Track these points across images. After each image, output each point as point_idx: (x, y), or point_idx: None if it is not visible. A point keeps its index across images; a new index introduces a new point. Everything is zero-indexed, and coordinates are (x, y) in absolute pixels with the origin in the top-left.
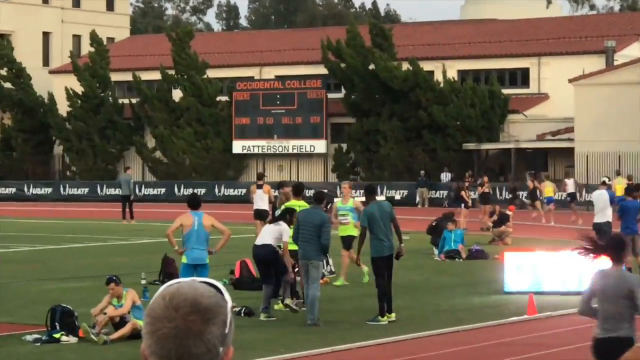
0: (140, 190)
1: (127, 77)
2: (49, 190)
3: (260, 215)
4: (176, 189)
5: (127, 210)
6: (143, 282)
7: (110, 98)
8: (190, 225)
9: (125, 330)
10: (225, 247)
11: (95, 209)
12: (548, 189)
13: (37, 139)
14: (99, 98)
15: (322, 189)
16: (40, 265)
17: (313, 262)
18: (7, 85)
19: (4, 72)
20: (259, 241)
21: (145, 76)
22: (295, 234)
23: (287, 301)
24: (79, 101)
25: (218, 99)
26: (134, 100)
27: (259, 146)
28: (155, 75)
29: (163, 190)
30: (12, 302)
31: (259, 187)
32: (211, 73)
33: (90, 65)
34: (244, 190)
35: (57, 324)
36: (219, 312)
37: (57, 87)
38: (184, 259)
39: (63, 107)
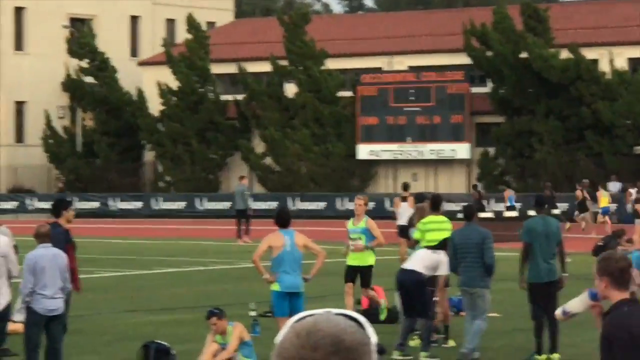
0: None
1: (231, 69)
2: (139, 204)
3: (406, 233)
4: (290, 202)
5: (243, 227)
6: (253, 314)
7: (211, 94)
8: (281, 247)
9: None
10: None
11: (193, 226)
12: (604, 198)
13: (124, 144)
14: (197, 94)
15: (468, 202)
16: (129, 295)
17: (477, 291)
18: (89, 79)
19: (84, 64)
20: (407, 265)
21: (253, 68)
22: (453, 261)
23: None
24: (174, 98)
25: (339, 94)
26: (239, 97)
27: (388, 151)
28: (265, 67)
29: (274, 204)
30: (98, 338)
31: (404, 199)
32: (331, 64)
33: (187, 55)
34: (372, 204)
35: None
36: (364, 352)
37: (147, 82)
38: (275, 287)
39: (155, 106)
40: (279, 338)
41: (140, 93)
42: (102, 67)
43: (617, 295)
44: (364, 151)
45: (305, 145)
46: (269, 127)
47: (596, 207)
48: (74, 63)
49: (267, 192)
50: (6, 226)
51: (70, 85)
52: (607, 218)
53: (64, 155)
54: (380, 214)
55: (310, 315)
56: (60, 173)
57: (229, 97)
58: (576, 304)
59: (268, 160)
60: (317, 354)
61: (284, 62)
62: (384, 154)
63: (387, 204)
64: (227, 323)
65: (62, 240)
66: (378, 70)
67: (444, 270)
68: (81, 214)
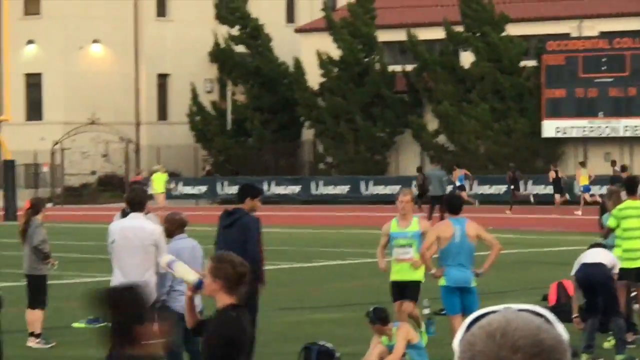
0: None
1: (400, 36)
2: (297, 188)
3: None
4: (466, 185)
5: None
6: (426, 311)
7: (377, 65)
8: (450, 237)
9: None
10: (544, 264)
11: (358, 213)
12: (583, 177)
13: (279, 121)
14: (362, 65)
15: None
16: (286, 290)
17: None
18: (240, 49)
19: (235, 31)
20: (590, 258)
21: (424, 35)
22: None
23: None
24: (336, 69)
25: (522, 64)
26: (408, 68)
27: (577, 127)
28: (438, 34)
29: (448, 187)
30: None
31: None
32: (512, 29)
33: (351, 21)
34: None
35: None
36: (563, 351)
37: (305, 51)
38: (442, 282)
39: (314, 78)
40: (457, 340)
41: (297, 64)
42: (254, 34)
43: (227, 300)
44: (550, 128)
45: (484, 122)
46: (443, 102)
47: None
48: (223, 30)
49: None
50: (155, 214)
51: (219, 56)
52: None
53: (212, 134)
54: (571, 198)
55: (492, 313)
56: (207, 154)
57: (398, 68)
58: (184, 271)
59: (441, 139)
60: (517, 356)
61: (459, 28)
62: (572, 131)
63: (577, 188)
64: (391, 324)
65: (255, 228)
66: (565, 36)
67: (618, 267)
68: (231, 200)
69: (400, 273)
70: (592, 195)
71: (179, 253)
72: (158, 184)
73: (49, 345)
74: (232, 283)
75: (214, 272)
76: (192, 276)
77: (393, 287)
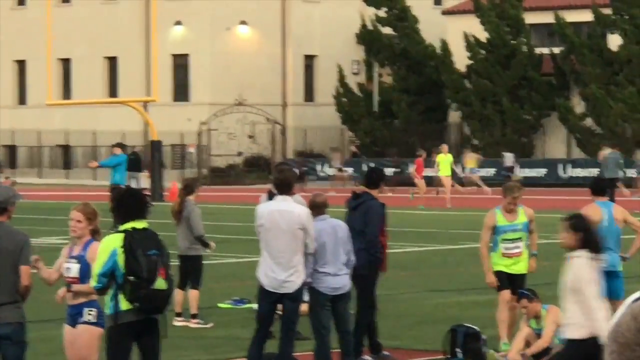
0: (564, 172)
1: (547, 18)
2: None
3: None
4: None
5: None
6: None
7: (524, 47)
8: (598, 221)
9: None
10: None
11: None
12: (470, 160)
13: (426, 103)
14: (509, 47)
15: None
16: (435, 272)
17: None
18: (387, 30)
19: (382, 13)
20: None
21: (572, 17)
22: None
23: None
24: (483, 52)
25: None
26: (556, 50)
27: None
28: (586, 16)
29: (594, 170)
30: (398, 321)
31: None
32: None
33: (498, 2)
34: None
35: (458, 349)
36: None
37: (452, 33)
38: None
39: (461, 60)
40: (612, 320)
41: (444, 46)
42: (401, 16)
43: None
44: None
45: (631, 105)
46: (590, 84)
47: None
48: (370, 12)
49: (586, 157)
50: (300, 195)
51: (366, 37)
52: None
53: (358, 115)
54: None
55: None
56: (354, 135)
57: (545, 50)
58: None
59: (588, 122)
60: None
61: (607, 11)
62: None
63: None
64: (540, 306)
65: (378, 213)
66: None
67: None
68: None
69: (510, 267)
70: None
71: (319, 234)
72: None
73: (209, 325)
74: None
75: None
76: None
77: (500, 275)
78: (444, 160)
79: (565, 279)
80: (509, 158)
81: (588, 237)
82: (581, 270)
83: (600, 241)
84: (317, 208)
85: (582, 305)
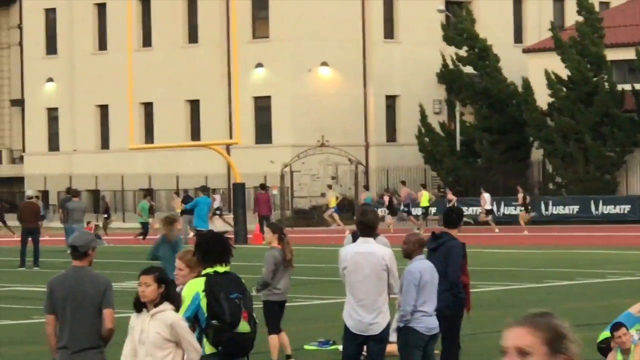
0: None
1: (629, 54)
2: None
3: None
4: None
5: None
6: None
7: (606, 84)
8: None
9: None
10: None
11: (587, 233)
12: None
13: (508, 141)
14: (590, 84)
15: None
16: (516, 310)
17: None
18: (468, 69)
19: (463, 52)
20: None
21: None
22: None
23: None
24: (564, 89)
25: None
26: (637, 86)
27: None
28: None
29: None
30: (478, 358)
31: None
32: None
33: (578, 40)
34: None
35: None
36: None
37: (533, 71)
38: None
39: (542, 98)
40: None
41: (526, 84)
42: (482, 55)
43: None
44: None
45: None
46: None
47: None
48: (451, 51)
49: None
50: (384, 235)
51: (447, 76)
52: None
53: (440, 155)
54: None
55: None
56: (437, 175)
57: (627, 87)
58: None
59: None
60: None
61: None
62: None
63: None
64: (630, 338)
65: (458, 253)
66: None
67: None
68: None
69: None
70: None
71: (421, 274)
72: None
73: None
74: None
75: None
76: None
77: None
78: None
79: None
80: (486, 199)
81: None
82: None
83: None
84: (416, 247)
85: None
